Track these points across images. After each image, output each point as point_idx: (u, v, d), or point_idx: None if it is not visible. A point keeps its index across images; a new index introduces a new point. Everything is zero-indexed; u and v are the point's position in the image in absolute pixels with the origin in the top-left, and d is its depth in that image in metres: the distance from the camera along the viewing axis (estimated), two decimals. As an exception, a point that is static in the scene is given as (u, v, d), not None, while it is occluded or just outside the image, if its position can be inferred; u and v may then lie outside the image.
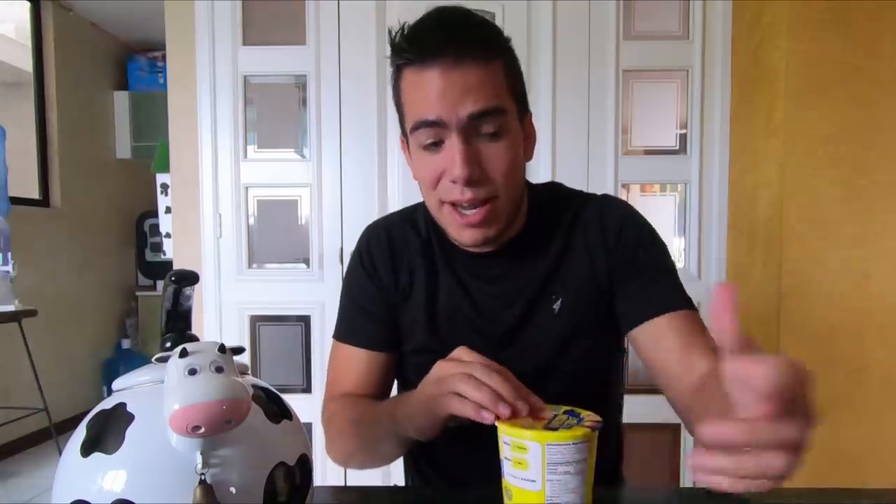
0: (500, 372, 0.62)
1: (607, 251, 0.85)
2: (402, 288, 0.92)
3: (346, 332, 0.94)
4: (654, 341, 0.81)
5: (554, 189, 0.94)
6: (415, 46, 0.76)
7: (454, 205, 0.79)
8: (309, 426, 2.09)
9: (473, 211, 0.78)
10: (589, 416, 0.58)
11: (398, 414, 0.75)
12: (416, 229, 0.93)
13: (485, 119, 0.75)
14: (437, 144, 0.78)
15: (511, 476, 0.55)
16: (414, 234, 0.93)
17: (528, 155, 0.85)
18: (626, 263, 0.85)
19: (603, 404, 0.86)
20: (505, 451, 0.55)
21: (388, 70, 0.82)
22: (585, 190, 0.94)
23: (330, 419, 0.91)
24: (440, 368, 0.66)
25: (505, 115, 0.77)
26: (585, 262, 0.86)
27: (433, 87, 0.75)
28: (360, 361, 0.92)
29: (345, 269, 0.98)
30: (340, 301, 0.98)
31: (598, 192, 0.94)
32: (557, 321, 0.86)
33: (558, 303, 0.86)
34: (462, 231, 0.81)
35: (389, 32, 0.78)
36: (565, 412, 0.59)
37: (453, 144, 0.76)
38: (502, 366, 0.63)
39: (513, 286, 0.87)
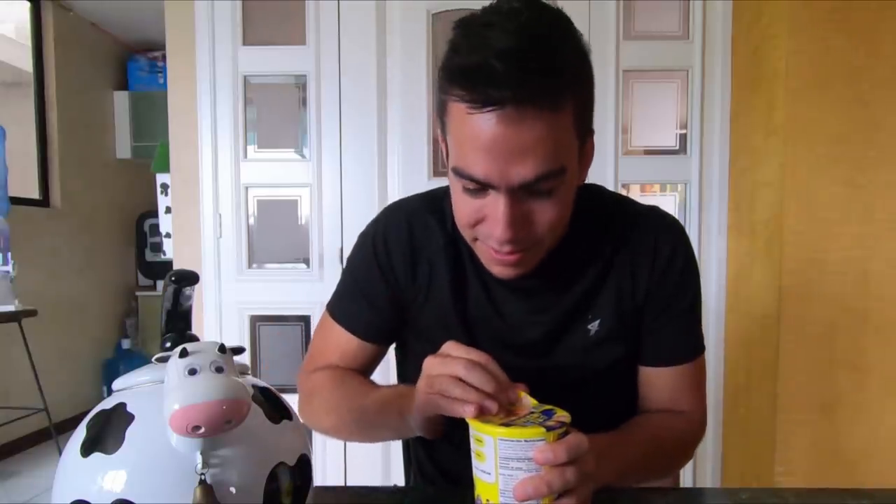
0: (484, 366, 0.60)
1: (651, 276, 0.81)
2: (420, 286, 0.85)
3: (342, 313, 0.89)
4: (651, 381, 0.85)
5: (597, 194, 0.86)
6: (469, 81, 0.61)
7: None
8: (309, 426, 2.09)
9: (511, 253, 0.70)
10: (557, 417, 0.56)
11: (404, 409, 0.71)
12: (442, 222, 0.83)
13: (540, 183, 0.64)
14: (480, 191, 0.67)
15: (474, 466, 0.57)
16: (438, 228, 0.83)
17: (582, 179, 0.74)
18: (664, 297, 0.82)
19: (626, 414, 0.85)
20: (471, 440, 0.57)
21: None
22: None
23: (314, 390, 0.89)
24: (429, 366, 0.64)
25: (565, 172, 0.65)
26: (629, 284, 0.81)
27: (484, 140, 0.61)
28: (349, 345, 0.88)
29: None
30: (343, 275, 0.91)
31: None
32: (593, 343, 0.81)
33: (595, 324, 0.81)
34: (495, 266, 0.74)
35: (448, 44, 0.65)
36: (543, 411, 0.58)
37: (499, 204, 0.65)
38: (486, 356, 0.61)
39: (545, 299, 0.81)
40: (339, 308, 0.90)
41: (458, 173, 0.66)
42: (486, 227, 0.68)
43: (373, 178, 2.10)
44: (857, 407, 1.63)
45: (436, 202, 0.86)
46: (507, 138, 0.61)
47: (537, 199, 0.66)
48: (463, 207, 0.70)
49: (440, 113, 0.69)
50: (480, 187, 0.66)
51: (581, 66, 0.66)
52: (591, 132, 0.72)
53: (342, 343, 0.89)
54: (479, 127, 0.61)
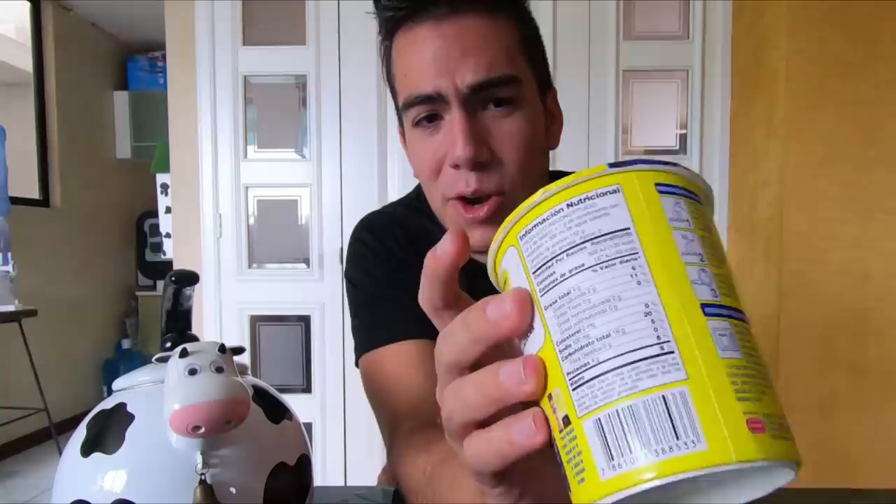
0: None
1: None
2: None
3: (379, 334, 0.70)
4: None
5: None
6: None
7: (459, 200, 0.64)
8: (309, 426, 2.09)
9: (481, 204, 0.63)
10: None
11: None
12: (431, 218, 0.73)
13: (493, 89, 0.61)
14: (432, 119, 0.63)
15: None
16: (437, 227, 0.73)
17: (554, 140, 0.70)
18: None
19: None
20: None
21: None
22: None
23: (408, 477, 0.57)
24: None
25: (519, 84, 0.62)
26: None
27: (426, 49, 0.61)
28: (411, 364, 0.66)
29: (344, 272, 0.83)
30: (354, 311, 0.76)
31: None
32: None
33: None
34: (468, 231, 0.58)
35: None
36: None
37: (454, 119, 0.61)
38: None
39: None
40: (371, 334, 0.71)
41: (409, 103, 0.63)
42: (448, 161, 0.62)
43: (373, 178, 2.10)
44: (857, 407, 1.63)
45: (412, 202, 0.80)
46: (447, 40, 0.60)
47: (494, 112, 0.62)
48: (422, 155, 0.65)
49: (387, 66, 0.68)
50: (433, 112, 0.63)
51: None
52: (552, 88, 0.70)
53: (402, 373, 0.67)
54: (422, 38, 0.61)
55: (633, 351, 0.22)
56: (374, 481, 0.89)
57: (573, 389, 0.23)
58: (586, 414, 0.22)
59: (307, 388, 2.15)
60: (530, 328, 0.25)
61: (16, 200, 3.05)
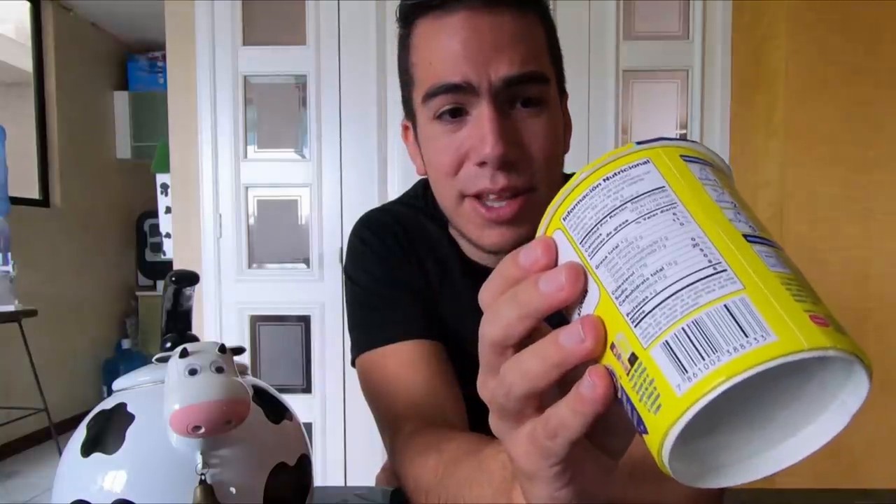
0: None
1: None
2: (432, 284, 0.72)
3: (378, 334, 0.69)
4: None
5: None
6: None
7: (479, 198, 0.61)
8: (309, 426, 2.09)
9: (503, 203, 0.60)
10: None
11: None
12: (431, 217, 0.73)
13: (524, 86, 0.59)
14: (457, 113, 0.60)
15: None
16: (436, 226, 0.72)
17: (567, 147, 0.68)
18: None
19: None
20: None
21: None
22: None
23: (418, 480, 0.56)
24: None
25: (547, 84, 0.61)
26: None
27: (457, 38, 0.58)
28: (411, 364, 0.66)
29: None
30: (352, 308, 0.74)
31: None
32: None
33: None
34: (486, 230, 0.62)
35: None
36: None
37: (483, 114, 0.58)
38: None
39: None
40: (368, 333, 0.71)
41: (432, 93, 0.60)
42: (473, 159, 0.60)
43: (373, 178, 2.10)
44: (857, 407, 1.63)
45: (412, 201, 0.77)
46: (481, 32, 0.58)
47: (522, 112, 0.60)
48: (442, 151, 0.62)
49: (402, 48, 0.65)
50: (458, 105, 0.60)
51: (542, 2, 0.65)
52: (565, 92, 0.69)
53: (402, 373, 0.66)
54: (452, 28, 0.59)
55: (687, 276, 0.23)
56: (373, 481, 0.89)
57: (635, 326, 0.23)
58: (652, 342, 0.23)
59: (307, 388, 2.15)
60: (583, 293, 0.26)
61: (16, 200, 3.05)
